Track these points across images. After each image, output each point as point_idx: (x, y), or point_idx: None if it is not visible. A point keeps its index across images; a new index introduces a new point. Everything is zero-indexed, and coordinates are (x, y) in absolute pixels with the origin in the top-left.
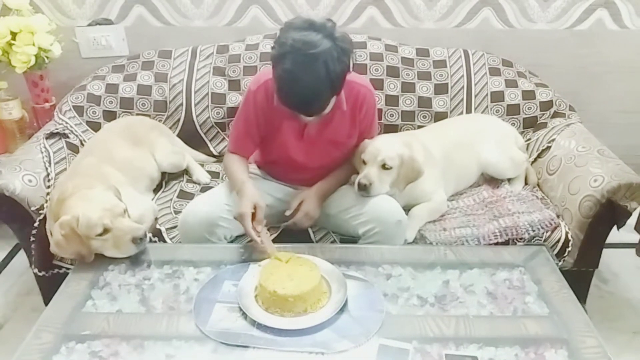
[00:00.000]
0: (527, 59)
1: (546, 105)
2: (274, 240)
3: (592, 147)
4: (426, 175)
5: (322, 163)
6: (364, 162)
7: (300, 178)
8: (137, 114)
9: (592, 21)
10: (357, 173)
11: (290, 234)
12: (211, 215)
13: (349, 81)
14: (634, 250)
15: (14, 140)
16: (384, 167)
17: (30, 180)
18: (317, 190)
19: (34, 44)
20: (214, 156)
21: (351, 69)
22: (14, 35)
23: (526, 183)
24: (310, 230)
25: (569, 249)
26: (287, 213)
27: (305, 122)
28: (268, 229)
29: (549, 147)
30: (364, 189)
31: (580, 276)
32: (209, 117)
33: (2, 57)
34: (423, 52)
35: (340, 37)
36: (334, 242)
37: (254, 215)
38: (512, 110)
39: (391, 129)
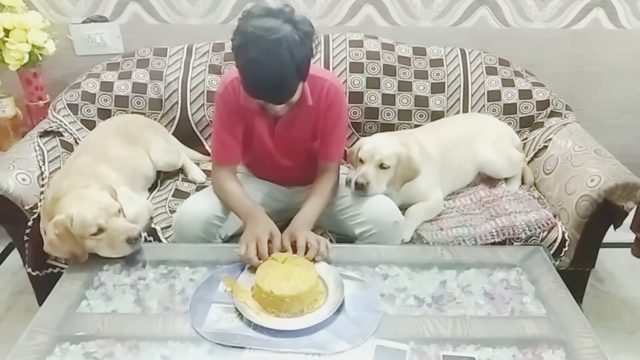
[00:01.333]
0: (524, 58)
1: (543, 105)
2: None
3: (588, 147)
4: (423, 174)
5: (297, 161)
6: (361, 161)
7: (284, 176)
8: (132, 112)
9: (588, 21)
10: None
11: None
12: (206, 214)
13: (314, 75)
14: (629, 250)
15: (8, 139)
16: (381, 166)
17: (23, 179)
18: (302, 222)
19: (27, 41)
20: (210, 155)
21: (314, 53)
22: (7, 32)
23: (523, 183)
24: None
25: (566, 248)
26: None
27: (274, 118)
28: None
29: (545, 147)
30: (361, 188)
31: (576, 276)
32: (204, 115)
33: None
34: (420, 51)
35: (300, 20)
36: (330, 242)
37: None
38: (509, 109)
39: (388, 127)
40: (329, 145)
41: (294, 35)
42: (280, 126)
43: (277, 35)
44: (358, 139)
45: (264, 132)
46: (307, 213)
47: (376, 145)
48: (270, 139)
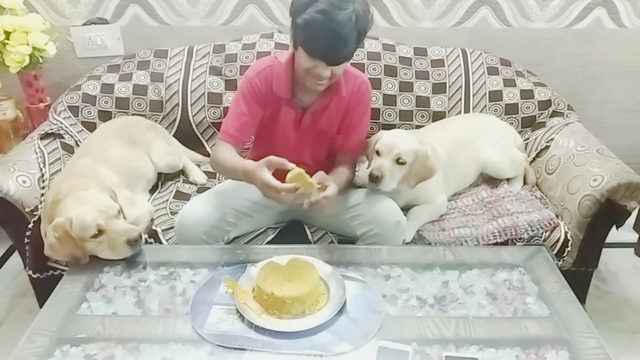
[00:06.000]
0: (526, 58)
1: (545, 105)
2: (272, 242)
3: (591, 147)
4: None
5: (315, 158)
6: (378, 153)
7: None
8: (133, 114)
9: (590, 20)
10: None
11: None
12: (208, 216)
13: (349, 71)
14: (632, 249)
15: (8, 141)
16: (397, 161)
17: (24, 181)
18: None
19: (28, 44)
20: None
21: (370, 27)
22: (7, 34)
23: (525, 183)
24: (308, 231)
25: (568, 248)
26: (318, 185)
27: (302, 108)
28: (266, 229)
29: (547, 147)
30: (375, 181)
31: (579, 276)
32: (205, 117)
33: None
34: (421, 52)
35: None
36: (332, 242)
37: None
38: (511, 109)
39: (389, 128)
40: (350, 139)
41: (360, 5)
42: (308, 116)
43: None
44: None
45: (288, 123)
46: (336, 177)
47: (395, 139)
48: (295, 131)
